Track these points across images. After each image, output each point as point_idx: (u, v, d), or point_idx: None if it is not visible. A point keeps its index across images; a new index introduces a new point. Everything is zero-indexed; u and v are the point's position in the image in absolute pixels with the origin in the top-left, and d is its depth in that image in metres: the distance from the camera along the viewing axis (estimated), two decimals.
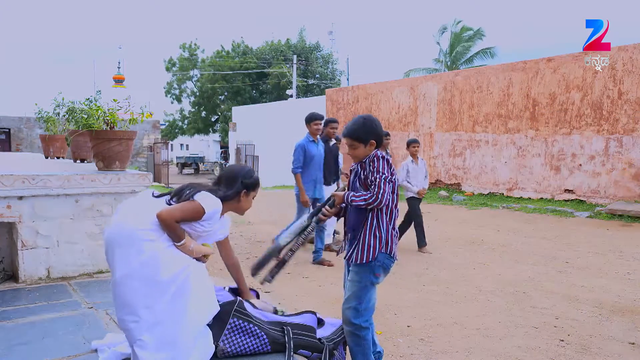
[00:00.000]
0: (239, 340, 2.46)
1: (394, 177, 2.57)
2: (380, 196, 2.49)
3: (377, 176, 2.51)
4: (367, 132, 2.60)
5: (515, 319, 4.01)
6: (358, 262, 2.59)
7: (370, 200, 2.51)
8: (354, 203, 2.55)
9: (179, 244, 2.25)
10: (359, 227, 2.61)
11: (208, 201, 2.35)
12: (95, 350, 2.54)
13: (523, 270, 5.61)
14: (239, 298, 2.59)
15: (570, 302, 4.44)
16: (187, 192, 2.38)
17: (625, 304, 4.39)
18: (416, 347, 3.44)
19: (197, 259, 2.34)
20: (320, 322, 2.80)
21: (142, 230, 2.20)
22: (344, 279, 2.87)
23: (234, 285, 2.85)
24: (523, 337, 3.62)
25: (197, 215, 2.31)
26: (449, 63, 28.47)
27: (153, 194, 2.44)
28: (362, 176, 2.62)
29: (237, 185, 2.47)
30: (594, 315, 4.09)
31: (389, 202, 2.54)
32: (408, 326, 3.84)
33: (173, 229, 2.23)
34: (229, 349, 2.43)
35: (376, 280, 2.61)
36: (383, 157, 2.57)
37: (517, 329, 3.78)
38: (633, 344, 3.50)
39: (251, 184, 2.53)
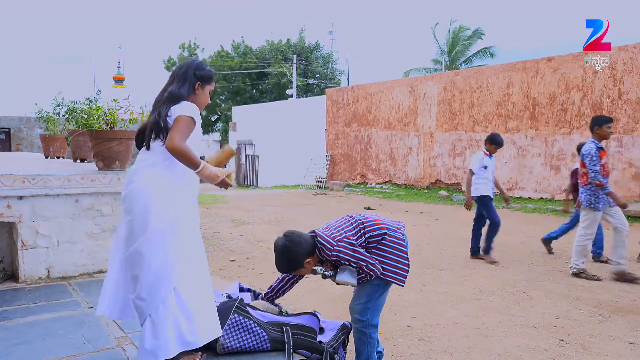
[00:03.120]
0: (238, 336, 2.46)
1: (356, 232, 2.51)
2: (374, 272, 2.47)
3: (355, 262, 2.44)
4: (293, 261, 2.49)
5: (515, 318, 4.01)
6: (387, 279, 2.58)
7: (374, 275, 2.50)
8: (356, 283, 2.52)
9: (198, 168, 2.21)
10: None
11: (188, 109, 2.28)
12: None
13: (523, 270, 5.61)
14: (239, 297, 2.60)
15: (570, 302, 4.44)
16: (161, 117, 2.29)
17: (625, 304, 4.39)
18: (416, 347, 3.44)
19: (221, 185, 2.31)
20: (320, 330, 2.80)
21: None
22: None
23: (233, 292, 2.85)
24: (523, 337, 3.62)
25: (191, 126, 2.27)
26: (448, 63, 28.47)
27: (145, 149, 2.36)
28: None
29: (190, 79, 2.39)
30: (594, 315, 4.09)
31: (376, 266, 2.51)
32: (408, 326, 3.84)
33: (188, 154, 2.18)
34: (228, 344, 2.44)
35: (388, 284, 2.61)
36: (337, 252, 2.42)
37: (517, 329, 3.78)
38: (633, 343, 3.50)
39: (205, 75, 2.43)
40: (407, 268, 2.58)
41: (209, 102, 2.52)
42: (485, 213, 6.14)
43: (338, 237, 2.46)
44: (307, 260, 2.48)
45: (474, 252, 6.23)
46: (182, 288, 2.24)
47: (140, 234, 2.22)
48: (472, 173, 6.20)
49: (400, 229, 2.63)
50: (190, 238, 2.31)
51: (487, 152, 6.28)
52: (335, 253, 2.41)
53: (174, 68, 2.51)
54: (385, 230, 2.55)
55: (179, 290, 2.23)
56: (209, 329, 2.30)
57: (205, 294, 2.32)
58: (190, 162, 2.19)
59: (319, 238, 2.47)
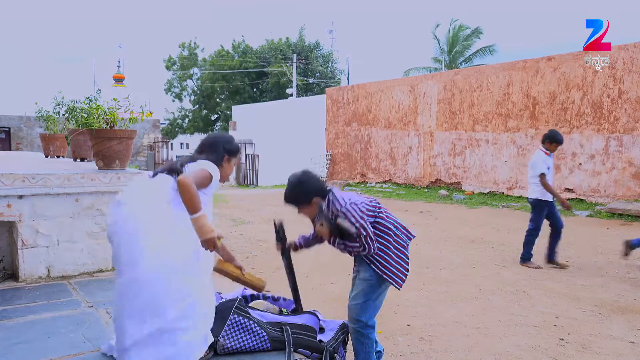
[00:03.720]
0: (239, 336, 2.47)
1: (371, 210, 2.52)
2: (369, 246, 2.45)
3: (357, 228, 2.41)
4: (303, 194, 2.50)
5: (515, 317, 4.01)
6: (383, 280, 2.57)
7: (364, 252, 2.48)
8: (340, 249, 2.51)
9: (196, 214, 2.13)
10: (378, 262, 2.55)
11: (211, 168, 2.35)
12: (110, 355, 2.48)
13: (523, 270, 5.61)
14: (239, 296, 2.60)
15: (570, 301, 4.44)
16: (181, 164, 2.37)
17: (625, 303, 4.39)
18: (416, 346, 3.44)
19: (206, 244, 2.18)
20: (321, 329, 2.80)
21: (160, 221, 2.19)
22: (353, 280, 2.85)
23: (232, 295, 2.86)
24: (523, 336, 3.62)
25: (207, 182, 2.30)
26: (447, 62, 28.47)
27: (149, 175, 2.40)
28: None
29: (219, 151, 2.49)
30: (594, 314, 4.09)
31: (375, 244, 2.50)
32: (408, 325, 3.84)
33: (193, 195, 2.12)
34: (228, 345, 2.44)
35: (386, 284, 2.60)
36: (347, 209, 2.42)
37: (517, 328, 3.78)
38: (633, 342, 3.51)
39: (233, 150, 2.56)
40: (406, 272, 2.57)
41: (232, 172, 2.62)
42: (532, 216, 5.81)
43: (352, 201, 2.47)
44: (314, 200, 2.49)
45: (550, 258, 5.77)
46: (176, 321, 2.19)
47: (128, 268, 2.15)
48: (544, 176, 5.68)
49: (409, 233, 2.62)
50: (192, 274, 2.23)
51: (547, 152, 5.84)
52: (344, 211, 2.42)
53: (203, 138, 2.61)
54: (394, 229, 2.55)
55: (173, 325, 2.18)
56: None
57: (203, 322, 2.31)
58: (192, 202, 2.12)
59: (333, 192, 2.49)
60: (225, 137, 2.59)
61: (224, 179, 2.53)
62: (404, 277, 2.56)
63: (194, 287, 2.21)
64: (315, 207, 2.51)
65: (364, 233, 2.42)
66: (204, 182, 2.29)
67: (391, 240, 2.54)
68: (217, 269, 2.59)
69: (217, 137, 2.57)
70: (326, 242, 2.61)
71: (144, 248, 2.12)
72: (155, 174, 2.36)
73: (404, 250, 2.57)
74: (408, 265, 2.58)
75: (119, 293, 2.21)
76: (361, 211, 2.45)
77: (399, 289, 2.60)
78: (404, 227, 2.61)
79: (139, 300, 2.14)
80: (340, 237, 2.47)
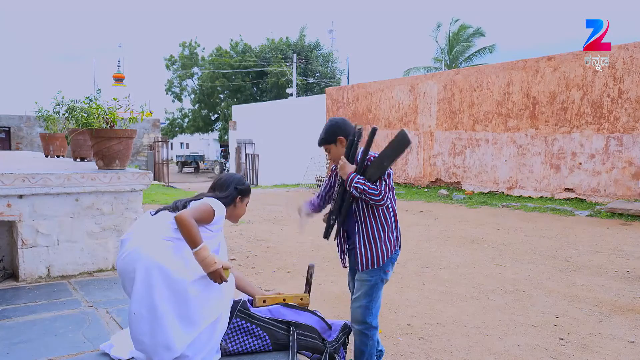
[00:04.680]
0: (241, 340, 2.48)
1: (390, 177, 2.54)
2: (384, 192, 2.43)
3: (384, 176, 2.45)
4: (330, 133, 2.58)
5: (515, 317, 4.01)
6: (371, 268, 2.56)
7: (376, 198, 2.42)
8: (356, 187, 2.42)
9: (197, 248, 2.13)
10: (366, 233, 2.55)
11: (215, 203, 2.36)
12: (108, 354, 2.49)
13: (523, 269, 5.61)
14: (242, 299, 2.59)
15: (570, 301, 4.44)
16: (185, 203, 2.38)
17: (625, 303, 4.39)
18: (416, 346, 3.44)
19: (212, 277, 2.19)
20: (328, 327, 2.80)
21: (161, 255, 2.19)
22: (348, 279, 2.85)
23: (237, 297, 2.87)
24: (523, 336, 3.62)
25: (209, 216, 2.29)
26: (448, 62, 28.48)
27: (150, 213, 2.42)
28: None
29: (231, 191, 2.51)
30: (594, 314, 4.10)
31: (389, 200, 2.52)
32: (408, 325, 3.84)
33: (192, 229, 2.13)
34: (230, 348, 2.46)
35: (386, 276, 2.60)
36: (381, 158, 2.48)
37: (517, 328, 3.78)
38: (632, 342, 3.51)
39: (245, 190, 2.59)
40: (395, 251, 2.60)
41: (245, 213, 2.65)
42: None
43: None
44: (339, 138, 2.57)
45: None
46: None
47: (133, 303, 2.18)
48: None
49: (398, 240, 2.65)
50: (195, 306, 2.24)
51: None
52: (376, 155, 2.47)
53: (214, 179, 2.64)
54: (390, 205, 2.59)
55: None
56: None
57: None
58: (191, 236, 2.13)
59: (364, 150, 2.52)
60: (236, 177, 2.62)
61: (236, 218, 2.57)
62: (389, 254, 2.57)
63: (202, 312, 2.23)
64: (340, 147, 2.58)
65: (387, 181, 2.45)
66: (205, 216, 2.27)
67: (391, 212, 2.59)
68: (259, 306, 2.62)
69: (228, 177, 2.60)
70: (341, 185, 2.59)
71: (142, 285, 2.15)
72: (157, 212, 2.39)
73: (393, 236, 2.61)
74: (395, 249, 2.61)
75: (129, 322, 2.27)
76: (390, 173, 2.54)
77: (388, 275, 2.60)
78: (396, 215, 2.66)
79: (145, 335, 2.19)
80: (363, 173, 2.48)
